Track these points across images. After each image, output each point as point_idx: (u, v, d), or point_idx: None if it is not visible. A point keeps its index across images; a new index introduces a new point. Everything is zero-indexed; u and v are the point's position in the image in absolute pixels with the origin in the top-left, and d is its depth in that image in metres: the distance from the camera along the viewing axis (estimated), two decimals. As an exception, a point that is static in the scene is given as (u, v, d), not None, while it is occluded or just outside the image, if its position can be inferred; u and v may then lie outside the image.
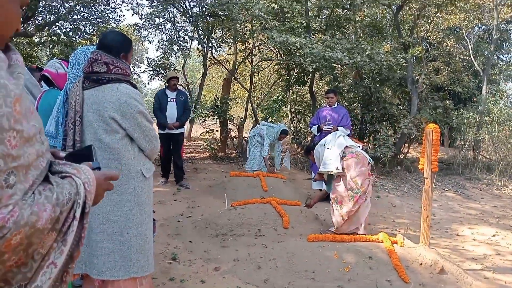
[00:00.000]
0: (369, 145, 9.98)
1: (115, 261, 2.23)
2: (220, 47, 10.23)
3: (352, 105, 9.96)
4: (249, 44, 9.36)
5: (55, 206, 0.85)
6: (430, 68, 11.22)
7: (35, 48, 7.49)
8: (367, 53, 7.06)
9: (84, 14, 7.98)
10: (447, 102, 9.58)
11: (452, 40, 11.67)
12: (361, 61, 6.99)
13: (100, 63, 2.18)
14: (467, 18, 10.66)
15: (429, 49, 11.63)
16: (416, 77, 8.59)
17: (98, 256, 2.22)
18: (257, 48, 9.65)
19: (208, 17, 8.34)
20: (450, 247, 4.27)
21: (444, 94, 9.98)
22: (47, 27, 7.06)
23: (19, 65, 0.90)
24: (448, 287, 3.08)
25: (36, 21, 6.99)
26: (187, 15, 8.85)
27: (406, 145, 9.18)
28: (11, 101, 0.77)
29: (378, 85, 9.15)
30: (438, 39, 11.40)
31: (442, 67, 11.84)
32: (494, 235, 4.77)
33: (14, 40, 6.84)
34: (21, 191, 0.80)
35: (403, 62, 7.74)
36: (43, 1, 6.73)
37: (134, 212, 2.27)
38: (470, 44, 11.22)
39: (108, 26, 9.07)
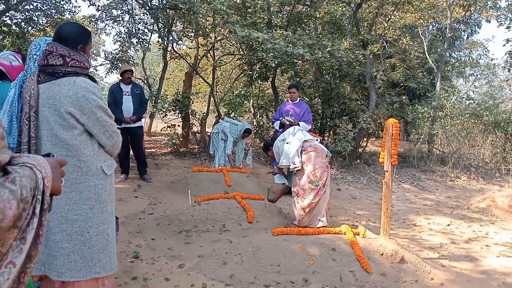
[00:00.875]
0: (329, 139, 10.20)
1: (75, 261, 2.14)
2: (181, 41, 10.04)
3: (313, 100, 10.12)
4: (211, 38, 9.26)
5: (20, 203, 0.80)
6: (387, 64, 11.58)
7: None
8: (328, 49, 7.18)
9: (37, 4, 7.55)
10: (403, 97, 9.94)
11: (407, 37, 12.12)
12: (322, 57, 7.10)
13: (55, 56, 2.07)
14: (422, 17, 11.09)
15: (386, 46, 12.00)
16: (374, 73, 8.83)
17: (57, 257, 2.12)
18: (219, 42, 9.57)
19: (168, 9, 8.16)
20: (408, 237, 4.44)
21: (400, 90, 10.34)
22: (-4, 17, 6.63)
23: None
24: (408, 275, 3.20)
25: (-17, 10, 6.55)
26: (147, 7, 8.62)
27: (365, 139, 9.45)
28: None
29: (338, 80, 9.34)
30: (394, 36, 11.79)
31: (398, 64, 12.26)
32: (449, 225, 5.01)
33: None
34: None
35: (362, 58, 7.94)
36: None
37: (94, 210, 2.18)
38: (424, 42, 11.70)
39: (62, 18, 8.65)
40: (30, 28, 7.26)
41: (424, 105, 10.22)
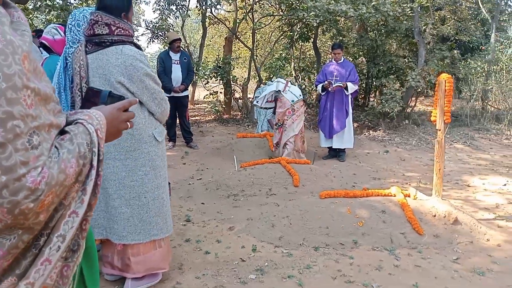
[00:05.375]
0: (375, 100, 9.86)
1: (134, 225, 2.25)
2: (220, 5, 9.89)
3: (357, 59, 9.75)
4: (249, 0, 9.05)
5: (79, 160, 0.84)
6: (436, 17, 10.84)
7: (30, 15, 7.26)
8: (372, 3, 6.82)
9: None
10: (455, 52, 9.31)
11: (458, -14, 11.18)
12: (366, 13, 6.76)
13: (101, 25, 2.09)
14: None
15: (436, -3, 11.18)
16: (423, 27, 8.31)
17: (117, 221, 2.23)
18: (258, 3, 9.33)
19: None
20: (462, 198, 4.28)
21: (452, 44, 9.69)
22: (41, -9, 6.80)
23: (22, 22, 0.84)
24: (463, 237, 3.11)
25: (29, -15, 6.73)
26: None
27: (413, 98, 9.06)
28: (19, 58, 0.73)
29: (384, 37, 8.90)
30: (444, -15, 10.92)
31: (448, 16, 11.44)
32: (505, 185, 4.77)
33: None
34: (47, 150, 0.78)
35: (409, 12, 7.47)
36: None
37: (149, 176, 2.26)
38: (478, -10, 10.77)
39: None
40: (73, 0, 7.40)
41: (477, 59, 9.56)
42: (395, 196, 3.55)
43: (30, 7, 7.00)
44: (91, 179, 0.89)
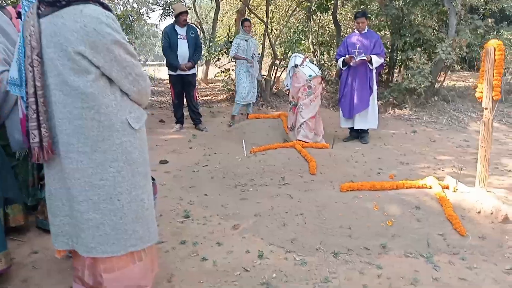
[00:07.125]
0: (400, 75, 9.12)
1: (106, 234, 1.78)
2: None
3: (381, 31, 8.97)
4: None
5: None
6: (467, -16, 9.87)
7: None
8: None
9: None
10: (489, 21, 8.42)
11: None
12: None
13: (54, -23, 1.58)
14: None
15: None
16: (454, -6, 7.47)
17: (84, 230, 1.77)
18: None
19: None
20: (505, 187, 3.68)
21: (485, 12, 8.79)
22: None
23: None
24: (516, 239, 2.56)
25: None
26: None
27: (442, 73, 8.29)
28: None
29: (410, 5, 8.09)
30: None
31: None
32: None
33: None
34: None
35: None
36: None
37: (123, 173, 1.78)
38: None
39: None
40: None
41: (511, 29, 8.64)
42: (431, 188, 3.00)
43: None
44: None
